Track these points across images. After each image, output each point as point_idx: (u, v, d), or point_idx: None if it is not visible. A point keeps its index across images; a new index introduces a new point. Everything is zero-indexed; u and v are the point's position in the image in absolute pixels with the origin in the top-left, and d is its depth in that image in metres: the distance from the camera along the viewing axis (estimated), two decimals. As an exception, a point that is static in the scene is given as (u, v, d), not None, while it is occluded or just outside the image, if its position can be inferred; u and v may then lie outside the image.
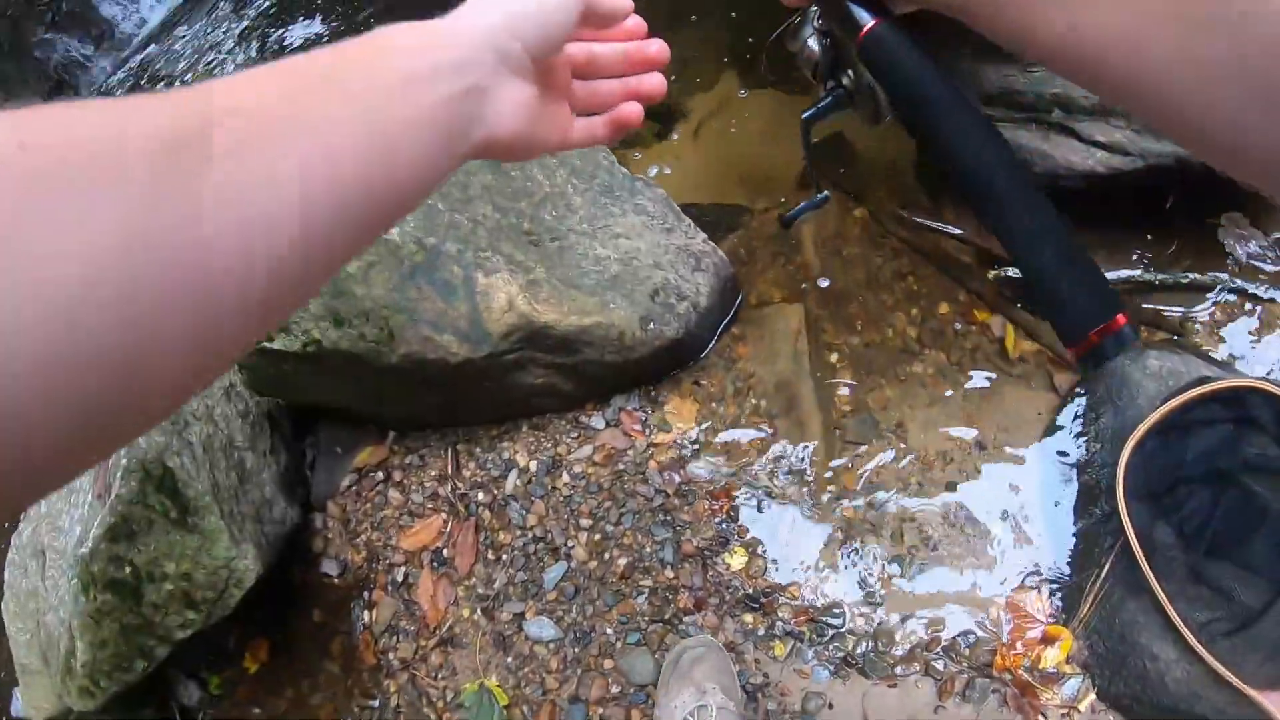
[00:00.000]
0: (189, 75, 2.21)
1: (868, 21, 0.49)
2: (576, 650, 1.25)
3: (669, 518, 1.32)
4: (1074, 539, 1.22)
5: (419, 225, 1.26)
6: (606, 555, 1.31)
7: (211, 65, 2.22)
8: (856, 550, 1.26)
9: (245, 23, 2.30)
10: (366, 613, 1.37)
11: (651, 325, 1.30)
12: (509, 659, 1.27)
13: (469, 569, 1.34)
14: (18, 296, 0.20)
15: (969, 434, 1.32)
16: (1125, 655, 1.11)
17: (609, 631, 1.26)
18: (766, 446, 1.35)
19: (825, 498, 1.30)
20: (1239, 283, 1.35)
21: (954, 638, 1.18)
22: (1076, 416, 1.29)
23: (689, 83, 1.75)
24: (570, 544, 1.32)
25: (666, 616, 1.25)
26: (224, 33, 2.30)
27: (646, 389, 1.42)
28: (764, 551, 1.28)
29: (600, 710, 1.21)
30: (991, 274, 1.41)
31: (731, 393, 1.40)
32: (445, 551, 1.37)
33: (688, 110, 1.73)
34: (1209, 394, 1.13)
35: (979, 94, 1.37)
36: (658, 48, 0.47)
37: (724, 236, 1.54)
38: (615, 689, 1.22)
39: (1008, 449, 1.30)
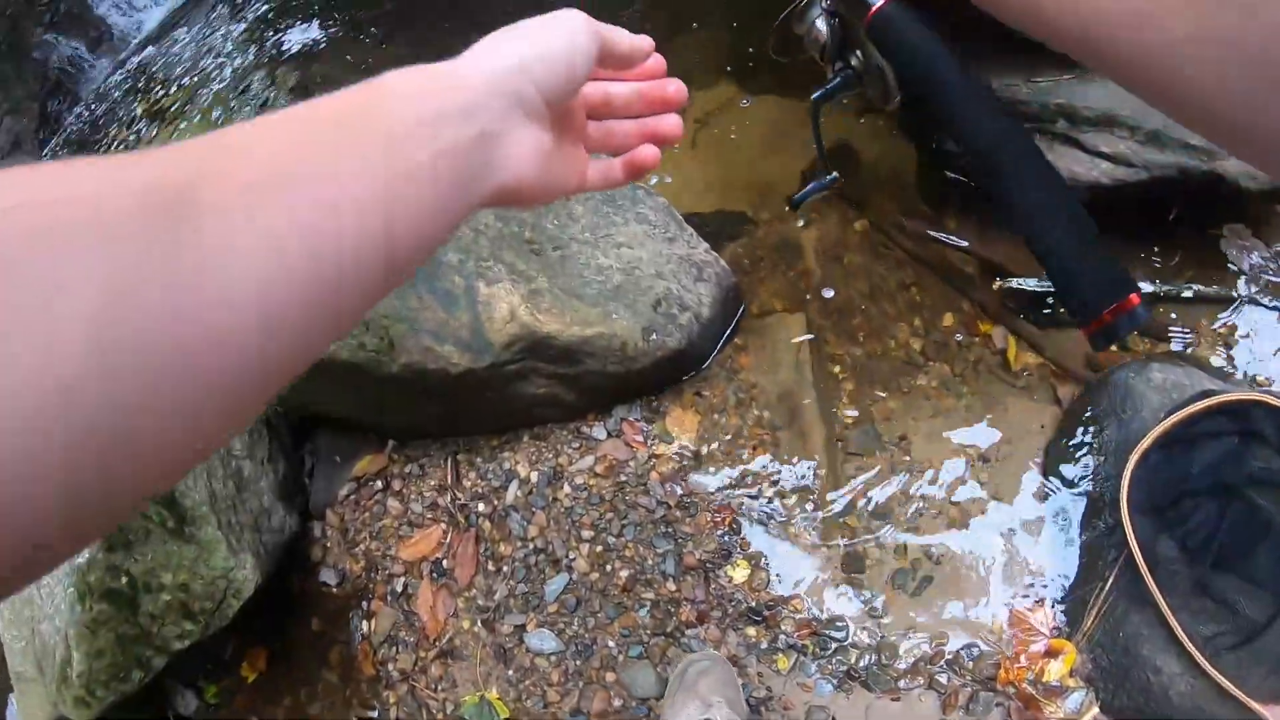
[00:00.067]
0: (186, 79, 2.20)
1: (877, 1, 0.49)
2: (578, 663, 1.25)
3: (671, 530, 1.31)
4: (1078, 552, 1.22)
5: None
6: (608, 567, 1.30)
7: (209, 69, 2.21)
8: (859, 563, 1.26)
9: (243, 25, 2.29)
10: (365, 623, 1.36)
11: (654, 336, 1.30)
12: (510, 671, 1.26)
13: (469, 580, 1.33)
14: None
15: (972, 447, 1.31)
16: (1129, 669, 1.11)
17: (611, 644, 1.25)
18: (769, 458, 1.34)
19: (828, 510, 1.30)
20: (1242, 293, 1.35)
21: (957, 651, 1.18)
22: (1080, 429, 1.28)
23: (689, 91, 1.74)
24: (572, 556, 1.31)
25: (669, 629, 1.24)
26: (222, 36, 2.28)
27: (648, 399, 1.41)
28: (767, 564, 1.27)
29: (602, 723, 1.20)
30: (996, 285, 1.41)
31: (734, 403, 1.39)
32: (445, 562, 1.36)
33: (688, 118, 1.72)
34: (1213, 407, 1.13)
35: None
36: (675, 88, 0.46)
37: (725, 245, 1.53)
38: (617, 702, 1.21)
39: (1011, 461, 1.30)
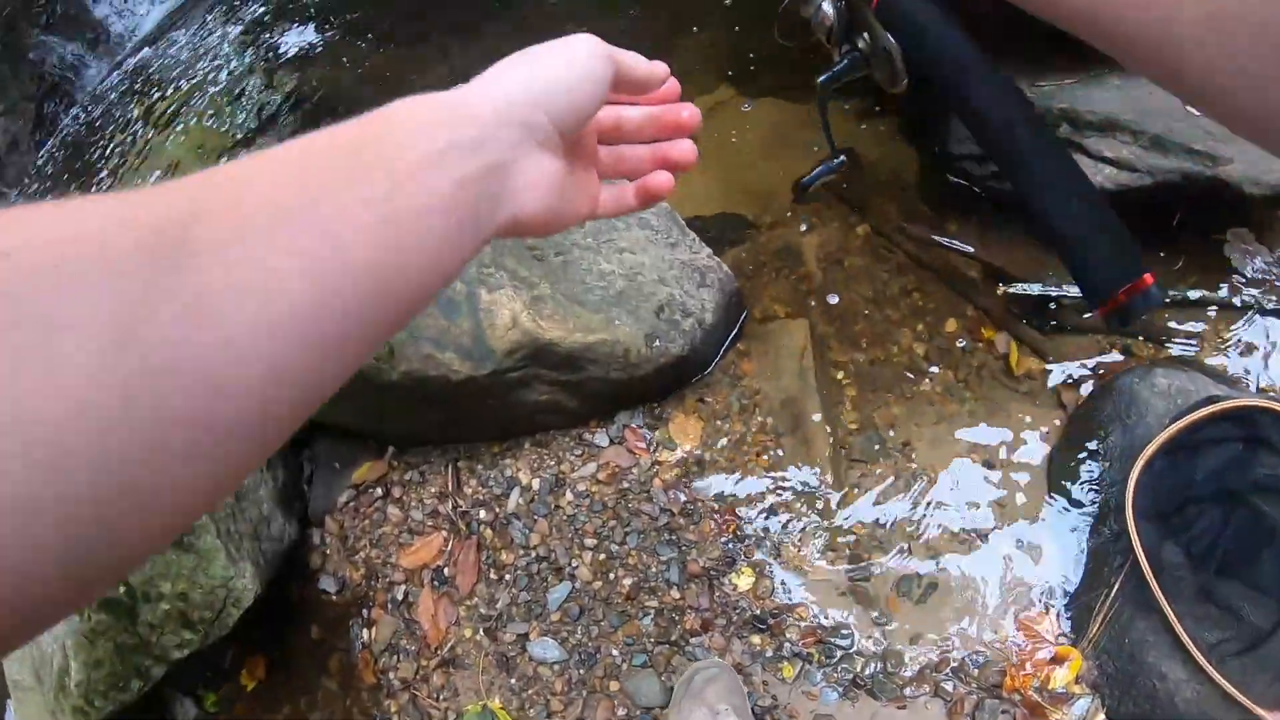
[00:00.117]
0: (183, 82, 2.19)
1: None
2: (582, 672, 1.24)
3: (674, 537, 1.30)
4: (1083, 558, 1.22)
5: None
6: (611, 575, 1.29)
7: (206, 71, 2.19)
8: (864, 571, 1.25)
9: (240, 28, 2.28)
10: (366, 631, 1.35)
11: (657, 342, 1.29)
12: (513, 680, 1.26)
13: (471, 588, 1.32)
14: None
15: (976, 452, 1.31)
16: (1134, 675, 1.11)
17: (615, 653, 1.24)
18: (772, 465, 1.34)
19: (833, 517, 1.29)
20: (1247, 298, 1.35)
21: (963, 658, 1.18)
22: (1084, 435, 1.28)
23: (690, 94, 1.73)
24: (574, 564, 1.30)
25: (673, 638, 1.24)
26: (219, 38, 2.27)
27: (651, 406, 1.40)
28: (771, 572, 1.26)
29: (605, 732, 1.20)
30: (1000, 291, 1.41)
31: (737, 410, 1.38)
32: (446, 570, 1.35)
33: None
34: (1218, 413, 1.13)
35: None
36: (689, 113, 0.45)
37: (727, 250, 1.53)
38: (621, 711, 1.20)
39: (1015, 468, 1.29)
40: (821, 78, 0.59)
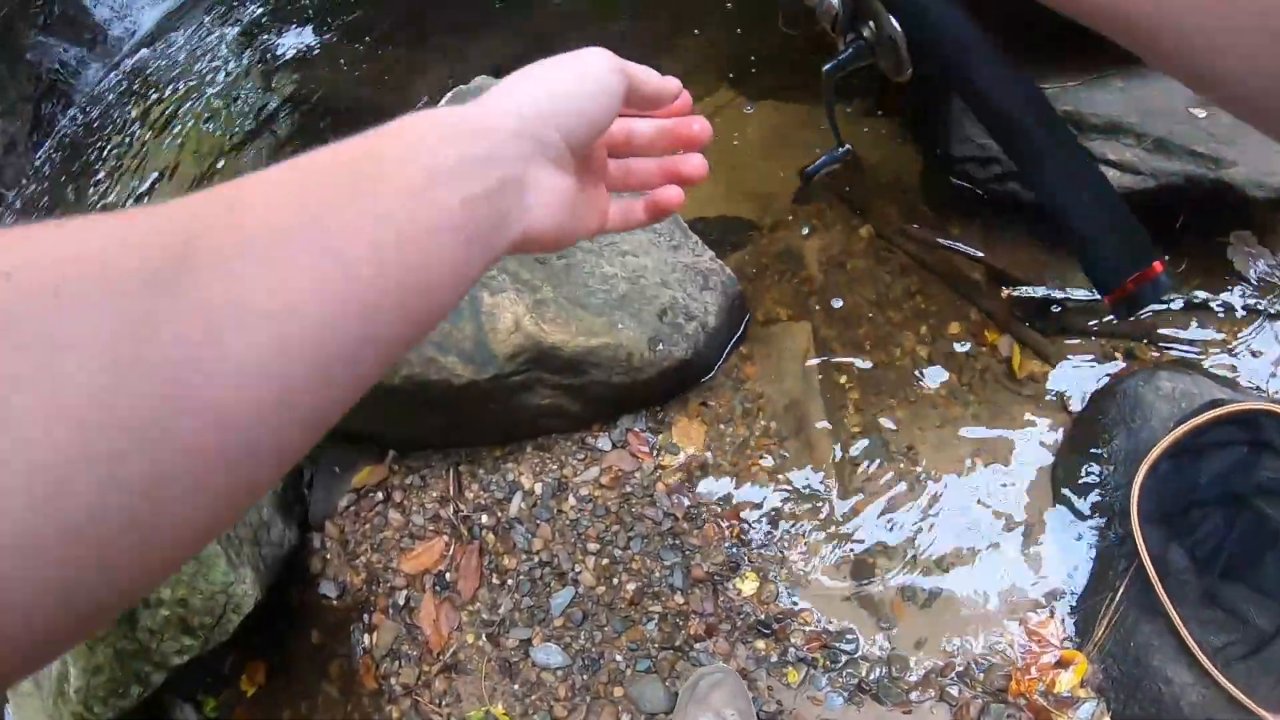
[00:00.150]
0: (180, 83, 2.18)
1: None
2: (585, 677, 1.23)
3: (678, 542, 1.30)
4: (1088, 562, 1.21)
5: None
6: (615, 580, 1.29)
7: (204, 72, 2.18)
8: (869, 574, 1.25)
9: (238, 29, 2.27)
10: (367, 636, 1.34)
11: (660, 346, 1.28)
12: (515, 686, 1.25)
13: (473, 593, 1.32)
14: None
15: (980, 456, 1.31)
16: (1140, 679, 1.10)
17: (618, 658, 1.24)
18: (776, 468, 1.33)
19: (837, 521, 1.29)
20: (1251, 302, 1.35)
21: (968, 663, 1.17)
22: (1089, 438, 1.28)
23: (691, 96, 1.73)
24: (577, 569, 1.30)
25: (677, 643, 1.23)
26: (217, 39, 2.26)
27: (654, 410, 1.40)
28: (775, 576, 1.26)
29: (609, 738, 1.19)
30: (1004, 293, 1.40)
31: (740, 413, 1.38)
32: (448, 575, 1.34)
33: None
34: (1222, 417, 1.13)
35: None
36: (700, 126, 0.44)
37: (729, 252, 1.52)
38: (625, 717, 1.19)
39: (1019, 471, 1.29)
40: (827, 66, 0.58)
